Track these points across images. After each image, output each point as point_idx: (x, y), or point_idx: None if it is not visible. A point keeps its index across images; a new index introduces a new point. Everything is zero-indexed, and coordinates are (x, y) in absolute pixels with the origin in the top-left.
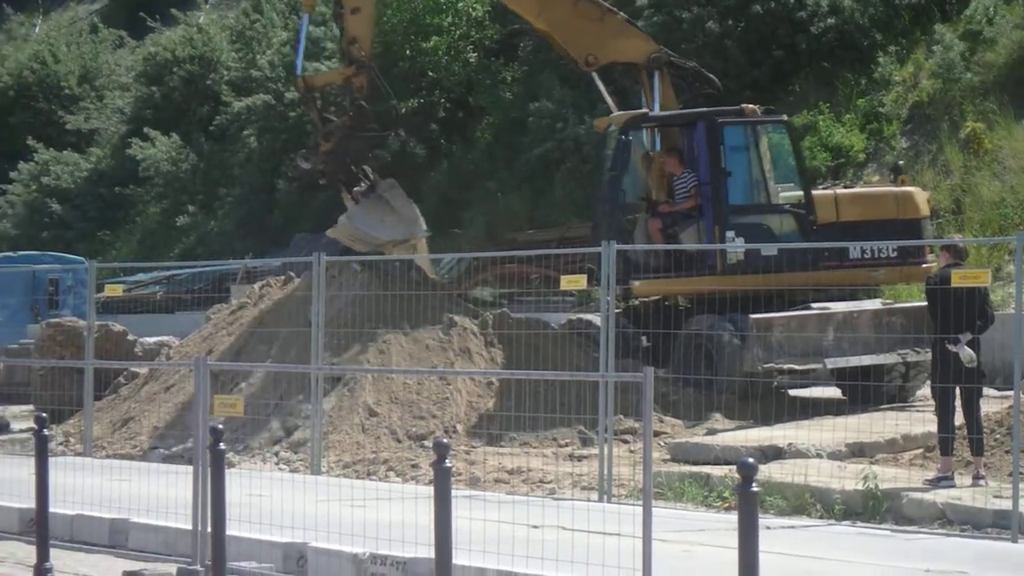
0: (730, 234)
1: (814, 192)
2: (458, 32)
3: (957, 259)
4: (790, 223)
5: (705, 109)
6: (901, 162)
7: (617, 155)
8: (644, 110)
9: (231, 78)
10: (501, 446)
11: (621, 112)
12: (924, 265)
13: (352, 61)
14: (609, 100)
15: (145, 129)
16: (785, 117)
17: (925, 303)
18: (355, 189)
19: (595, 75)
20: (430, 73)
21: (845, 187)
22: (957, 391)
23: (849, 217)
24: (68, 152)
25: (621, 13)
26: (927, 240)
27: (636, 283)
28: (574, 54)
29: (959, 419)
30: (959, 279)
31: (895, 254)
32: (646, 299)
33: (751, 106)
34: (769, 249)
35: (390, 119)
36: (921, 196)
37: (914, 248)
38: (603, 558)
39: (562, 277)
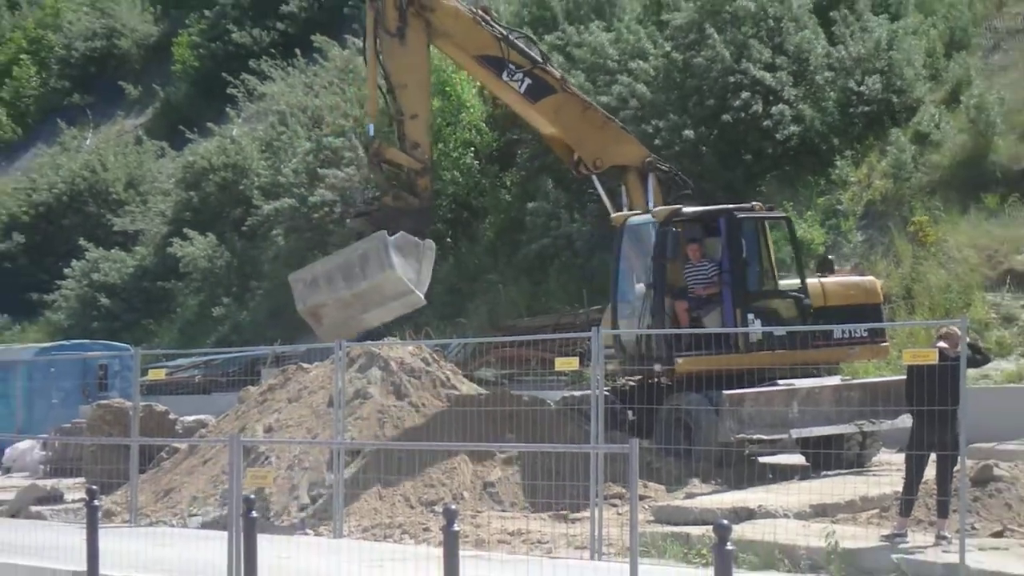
0: (750, 316)
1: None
2: (459, 139)
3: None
4: (792, 307)
5: (725, 206)
6: (831, 256)
7: (662, 245)
8: (678, 206)
9: (261, 183)
10: (504, 511)
11: (660, 207)
12: (883, 344)
13: (419, 162)
14: (606, 200)
15: (184, 229)
16: (788, 214)
17: (898, 378)
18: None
19: (595, 178)
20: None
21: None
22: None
23: (833, 303)
24: (115, 251)
25: (617, 121)
26: (902, 322)
27: (679, 360)
28: (584, 157)
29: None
30: (910, 357)
31: (866, 334)
32: (689, 374)
33: (758, 203)
34: (780, 330)
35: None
36: (876, 284)
37: (879, 329)
38: None
39: (557, 359)
